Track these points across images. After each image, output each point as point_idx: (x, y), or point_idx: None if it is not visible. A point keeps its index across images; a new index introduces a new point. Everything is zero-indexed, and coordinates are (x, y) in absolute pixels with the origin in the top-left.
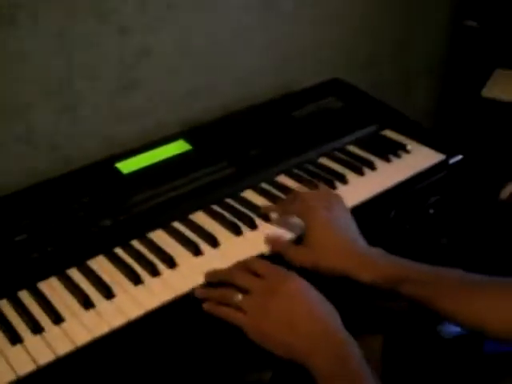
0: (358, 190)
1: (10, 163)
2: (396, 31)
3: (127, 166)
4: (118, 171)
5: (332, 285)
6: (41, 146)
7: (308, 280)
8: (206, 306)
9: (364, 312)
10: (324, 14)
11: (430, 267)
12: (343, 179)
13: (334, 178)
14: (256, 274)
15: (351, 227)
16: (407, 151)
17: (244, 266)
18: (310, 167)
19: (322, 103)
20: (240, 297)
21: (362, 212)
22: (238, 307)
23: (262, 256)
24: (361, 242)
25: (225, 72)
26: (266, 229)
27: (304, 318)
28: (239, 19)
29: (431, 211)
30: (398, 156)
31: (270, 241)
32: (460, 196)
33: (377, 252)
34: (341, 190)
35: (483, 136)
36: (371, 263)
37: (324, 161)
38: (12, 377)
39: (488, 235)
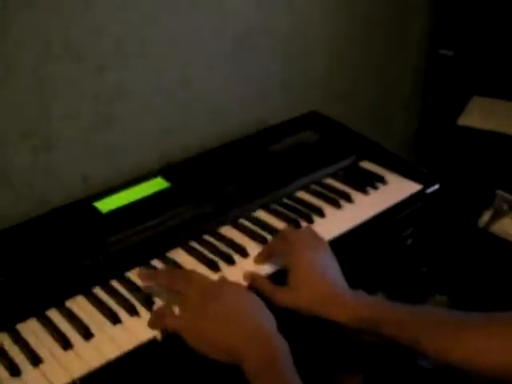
0: (335, 223)
1: None
2: (371, 63)
3: (106, 204)
4: (96, 210)
5: (311, 324)
6: (17, 186)
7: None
8: (149, 324)
9: (343, 350)
10: (299, 49)
11: (407, 307)
12: (320, 212)
13: (311, 212)
14: None
15: (333, 269)
16: (384, 182)
17: (182, 274)
18: (288, 201)
19: (299, 137)
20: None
21: (338, 245)
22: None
23: None
24: (341, 283)
25: (200, 108)
26: (243, 265)
27: (238, 319)
28: (212, 56)
29: (409, 242)
30: (376, 187)
31: (250, 278)
32: (438, 224)
33: (355, 294)
34: (318, 223)
35: (460, 164)
36: (348, 306)
37: (301, 194)
38: None
39: (467, 263)
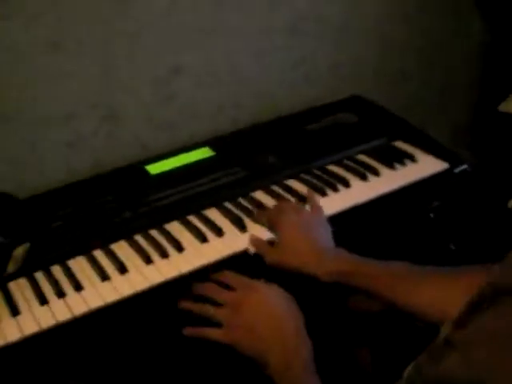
0: (358, 192)
1: (57, 163)
2: (425, 47)
3: (155, 168)
4: (146, 172)
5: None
6: (84, 149)
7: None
8: (186, 331)
9: (352, 326)
10: (350, 35)
11: (379, 262)
12: (346, 183)
13: (337, 182)
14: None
15: (317, 231)
16: (413, 160)
17: (218, 279)
18: (318, 172)
19: (339, 117)
20: (212, 310)
21: (361, 213)
22: (213, 320)
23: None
24: (324, 243)
25: (250, 88)
26: None
27: (264, 325)
28: (264, 40)
29: (432, 215)
30: (404, 164)
31: (251, 241)
32: (468, 203)
33: (335, 250)
34: (342, 192)
35: (500, 148)
36: (326, 260)
37: (332, 167)
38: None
39: (496, 242)
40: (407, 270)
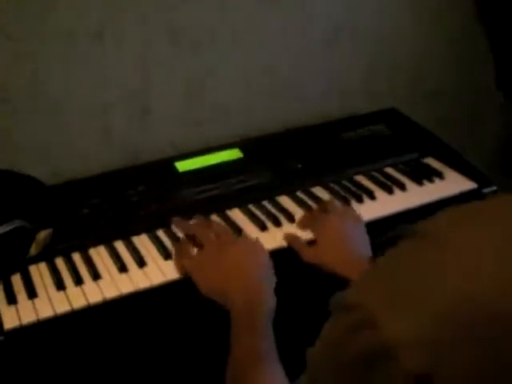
0: (383, 205)
1: (89, 152)
2: (463, 66)
3: (184, 165)
4: (175, 169)
5: None
6: (115, 141)
7: None
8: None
9: None
10: (386, 47)
11: None
12: (372, 195)
13: (363, 193)
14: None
15: (357, 238)
16: (442, 177)
17: (206, 224)
18: (345, 182)
19: (372, 129)
20: (195, 250)
21: (385, 226)
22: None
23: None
24: (362, 250)
25: (285, 93)
26: (288, 228)
27: (240, 271)
28: (298, 50)
29: None
30: (432, 181)
31: (288, 237)
32: None
33: (371, 259)
34: (367, 203)
35: None
36: (361, 266)
37: (360, 178)
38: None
39: None
40: None
